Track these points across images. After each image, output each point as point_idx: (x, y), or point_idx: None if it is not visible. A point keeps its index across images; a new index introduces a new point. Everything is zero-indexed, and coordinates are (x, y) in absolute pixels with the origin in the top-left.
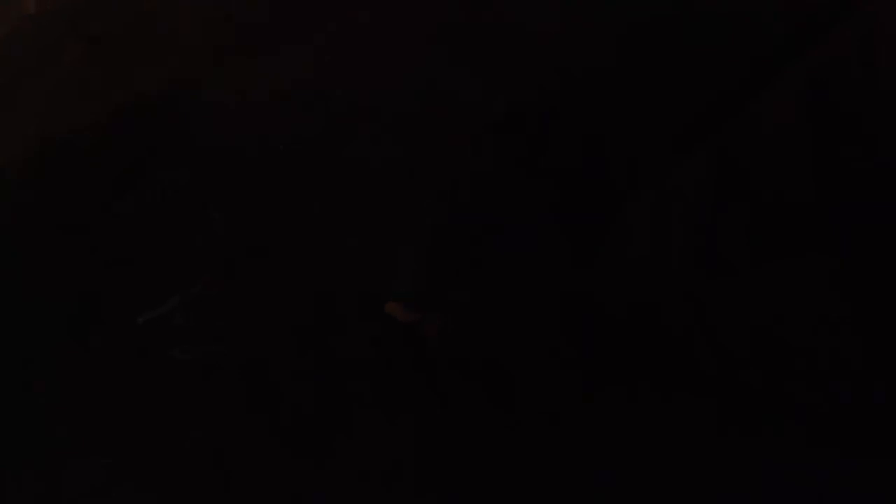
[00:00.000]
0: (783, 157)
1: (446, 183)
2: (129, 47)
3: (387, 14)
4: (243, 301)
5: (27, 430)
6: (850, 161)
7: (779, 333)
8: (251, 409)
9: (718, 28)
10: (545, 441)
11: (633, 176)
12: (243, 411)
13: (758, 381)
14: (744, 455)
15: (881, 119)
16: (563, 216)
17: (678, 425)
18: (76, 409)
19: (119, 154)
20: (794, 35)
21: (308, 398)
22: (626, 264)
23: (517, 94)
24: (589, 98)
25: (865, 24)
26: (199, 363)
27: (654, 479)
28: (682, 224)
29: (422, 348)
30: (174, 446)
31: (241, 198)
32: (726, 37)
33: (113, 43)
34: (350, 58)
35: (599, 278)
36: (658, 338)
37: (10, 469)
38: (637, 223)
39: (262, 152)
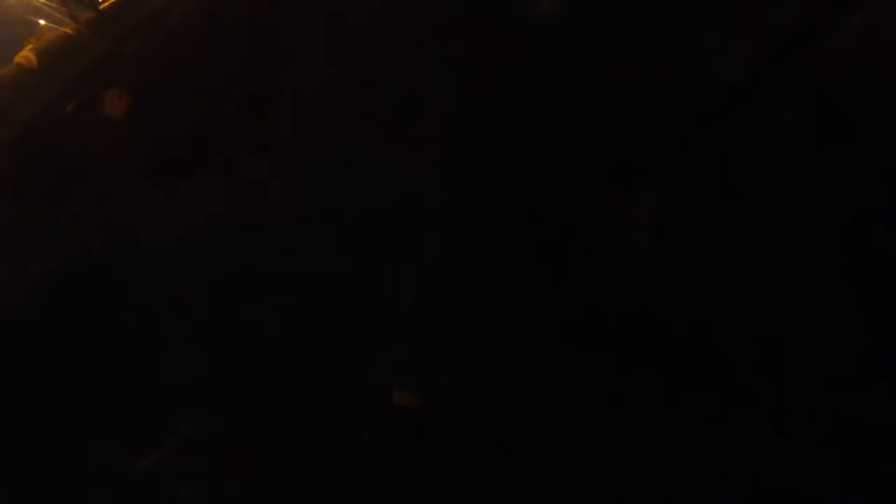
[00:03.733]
0: (783, 157)
1: (411, 281)
2: (61, 201)
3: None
4: (245, 433)
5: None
6: (850, 161)
7: (779, 333)
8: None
9: (717, 27)
10: (551, 453)
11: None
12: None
13: (758, 381)
14: (745, 454)
15: (881, 119)
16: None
17: (680, 425)
18: None
19: (65, 309)
20: (787, 35)
21: (321, 487)
22: (626, 266)
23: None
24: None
25: (865, 24)
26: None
27: (657, 478)
28: (682, 224)
29: (424, 432)
30: None
31: (222, 331)
32: (725, 36)
33: (44, 199)
34: (270, 187)
35: (600, 281)
36: (659, 338)
37: None
38: (637, 224)
39: (211, 283)
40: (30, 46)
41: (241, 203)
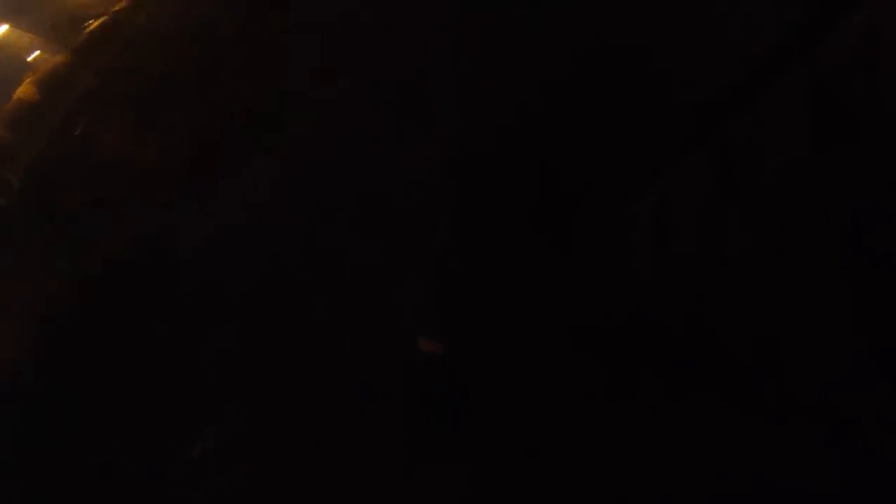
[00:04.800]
0: (783, 157)
1: (426, 249)
2: (78, 219)
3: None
4: (272, 421)
5: None
6: (850, 161)
7: (780, 333)
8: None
9: (714, 28)
10: (568, 455)
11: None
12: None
13: (759, 381)
14: (746, 454)
15: (881, 119)
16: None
17: (681, 425)
18: None
19: (101, 317)
20: (787, 34)
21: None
22: (628, 266)
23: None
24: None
25: (865, 23)
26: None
27: (657, 478)
28: (682, 224)
29: (446, 381)
30: None
31: (241, 321)
32: (720, 37)
33: (62, 219)
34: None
35: (601, 280)
36: (660, 338)
37: None
38: (639, 225)
39: (239, 280)
40: (28, 80)
41: (256, 203)
